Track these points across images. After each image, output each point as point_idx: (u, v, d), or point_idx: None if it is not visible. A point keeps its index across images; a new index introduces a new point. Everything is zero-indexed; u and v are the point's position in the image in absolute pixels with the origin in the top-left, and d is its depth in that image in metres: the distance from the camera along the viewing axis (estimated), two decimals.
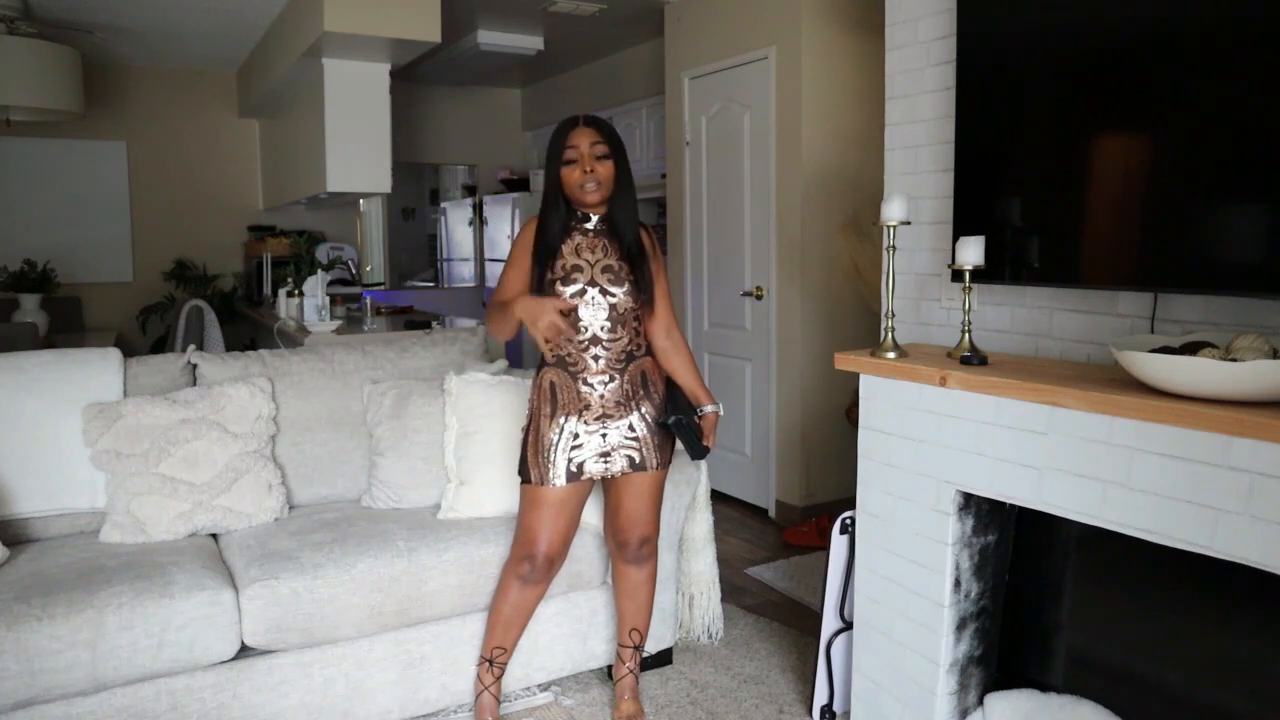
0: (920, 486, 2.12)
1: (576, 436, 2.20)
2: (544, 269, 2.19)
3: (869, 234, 3.99)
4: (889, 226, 2.15)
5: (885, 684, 2.25)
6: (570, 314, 2.18)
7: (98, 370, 2.55)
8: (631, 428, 2.23)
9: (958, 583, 2.07)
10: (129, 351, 2.82)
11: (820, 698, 2.47)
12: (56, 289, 5.58)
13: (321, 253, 6.27)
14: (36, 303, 5.35)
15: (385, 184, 4.79)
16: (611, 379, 2.21)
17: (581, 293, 2.18)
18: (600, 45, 5.92)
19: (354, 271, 6.37)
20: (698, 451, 2.28)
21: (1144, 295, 1.97)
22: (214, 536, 2.52)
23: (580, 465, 2.20)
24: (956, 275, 2.08)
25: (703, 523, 2.82)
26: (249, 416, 2.57)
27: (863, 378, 2.25)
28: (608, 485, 2.34)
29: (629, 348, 2.23)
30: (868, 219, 4.01)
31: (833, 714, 2.48)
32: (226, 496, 2.48)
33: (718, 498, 3.82)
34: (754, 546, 3.93)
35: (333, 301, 5.04)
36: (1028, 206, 2.11)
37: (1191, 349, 1.62)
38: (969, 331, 2.09)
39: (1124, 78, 1.87)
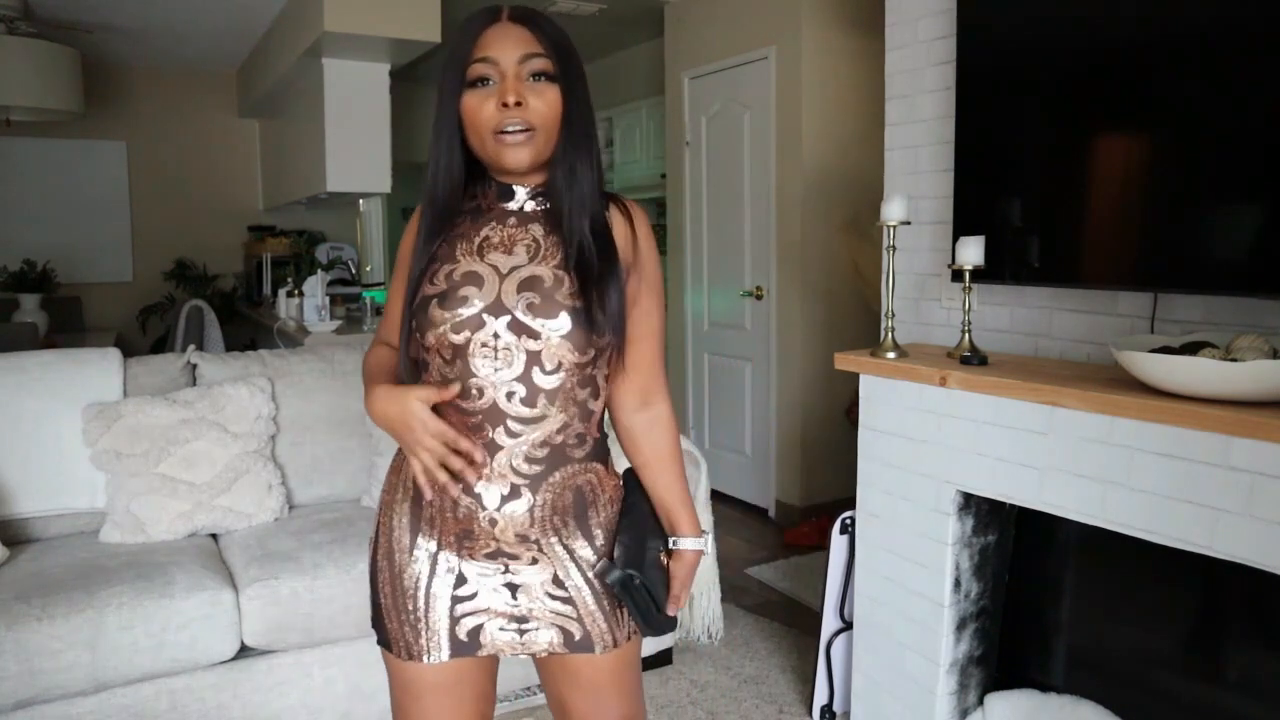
0: (920, 486, 2.12)
1: (462, 579, 1.27)
2: (418, 278, 1.25)
3: (869, 234, 3.99)
4: (889, 226, 2.15)
5: (885, 684, 2.25)
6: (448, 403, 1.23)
7: (98, 370, 2.55)
8: (558, 581, 1.28)
9: (958, 583, 2.07)
10: (129, 351, 2.82)
11: (820, 698, 2.47)
12: (56, 289, 5.58)
13: (321, 253, 6.27)
14: (36, 303, 5.35)
15: (385, 184, 4.79)
16: (516, 494, 1.23)
17: (476, 324, 1.20)
18: (600, 45, 5.92)
19: (354, 271, 6.37)
20: (652, 623, 1.30)
21: (1144, 295, 1.97)
22: (214, 536, 2.52)
23: (475, 632, 1.28)
24: (956, 275, 2.08)
25: (703, 523, 2.83)
26: (249, 416, 2.57)
27: (863, 378, 2.25)
28: (538, 664, 1.39)
29: (562, 438, 1.25)
30: (868, 219, 4.00)
31: (833, 714, 2.48)
32: (226, 496, 2.48)
33: (718, 498, 3.82)
34: (754, 546, 3.93)
35: (333, 301, 5.04)
36: (1028, 206, 2.11)
37: (1191, 349, 1.62)
38: (969, 331, 2.09)
39: (1124, 77, 1.87)
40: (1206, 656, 1.85)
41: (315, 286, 4.66)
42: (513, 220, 1.27)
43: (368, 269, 7.80)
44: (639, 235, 1.32)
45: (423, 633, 1.27)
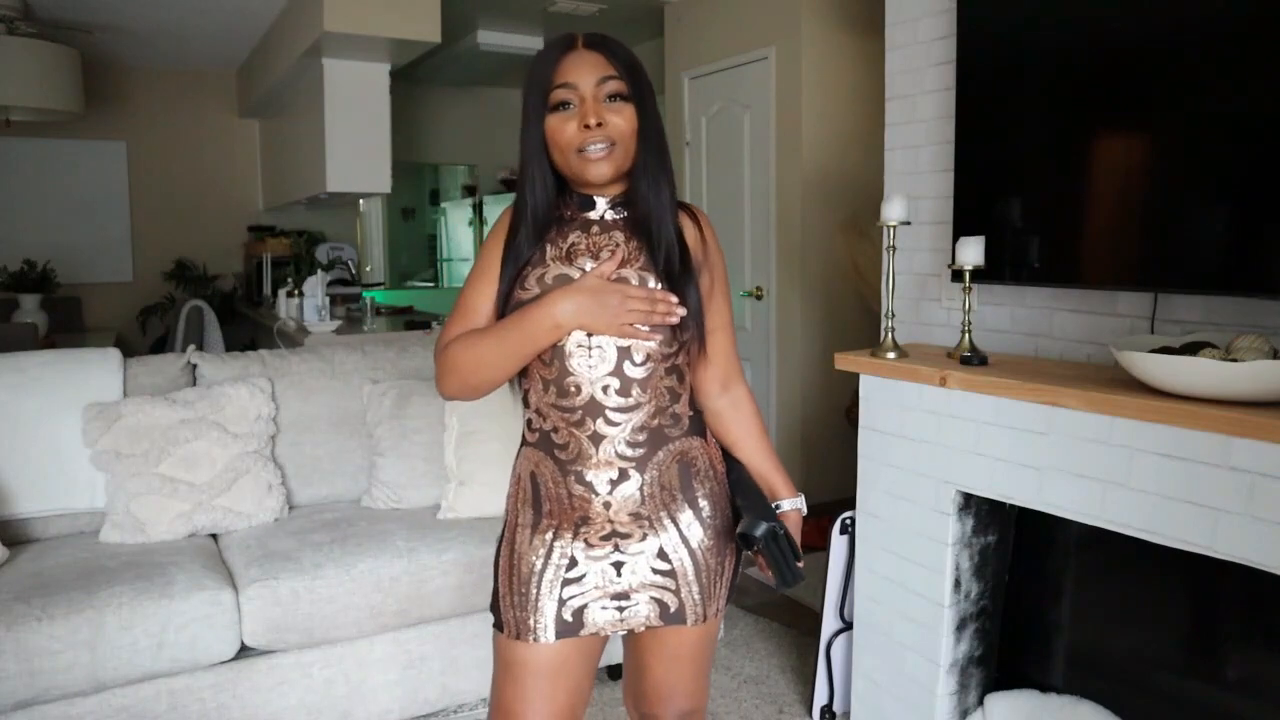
0: (920, 487, 2.12)
1: (573, 563, 1.37)
2: (511, 283, 1.37)
3: (869, 234, 3.99)
4: (889, 226, 2.15)
5: (885, 684, 2.25)
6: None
7: (98, 370, 2.55)
8: (663, 554, 1.39)
9: (958, 583, 2.07)
10: (129, 351, 2.82)
11: (820, 698, 2.47)
12: (56, 289, 5.58)
13: (321, 253, 6.27)
14: (36, 303, 5.36)
15: (385, 184, 4.79)
16: (625, 476, 1.36)
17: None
18: None
19: (354, 271, 6.37)
20: (790, 576, 1.35)
21: (1144, 295, 1.97)
22: (214, 536, 2.52)
23: (579, 612, 1.38)
24: (956, 275, 2.08)
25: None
26: (249, 416, 2.57)
27: (863, 378, 2.25)
28: (626, 636, 1.53)
29: (658, 421, 1.37)
30: (868, 219, 4.00)
31: (833, 714, 2.48)
32: (226, 496, 2.48)
33: None
34: None
35: (332, 301, 5.04)
36: (1028, 206, 2.11)
37: (1191, 349, 1.62)
38: (969, 331, 2.09)
39: (1124, 77, 1.87)
40: (1206, 657, 1.85)
41: (315, 286, 4.66)
42: (595, 228, 1.39)
43: (368, 269, 7.80)
44: (707, 239, 1.47)
45: (531, 614, 1.37)
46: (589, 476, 1.35)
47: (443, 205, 8.70)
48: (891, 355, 2.16)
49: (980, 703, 2.15)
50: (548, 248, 1.38)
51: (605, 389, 1.33)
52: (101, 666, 1.99)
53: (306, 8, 4.30)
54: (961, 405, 2.00)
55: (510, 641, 1.39)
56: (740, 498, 1.42)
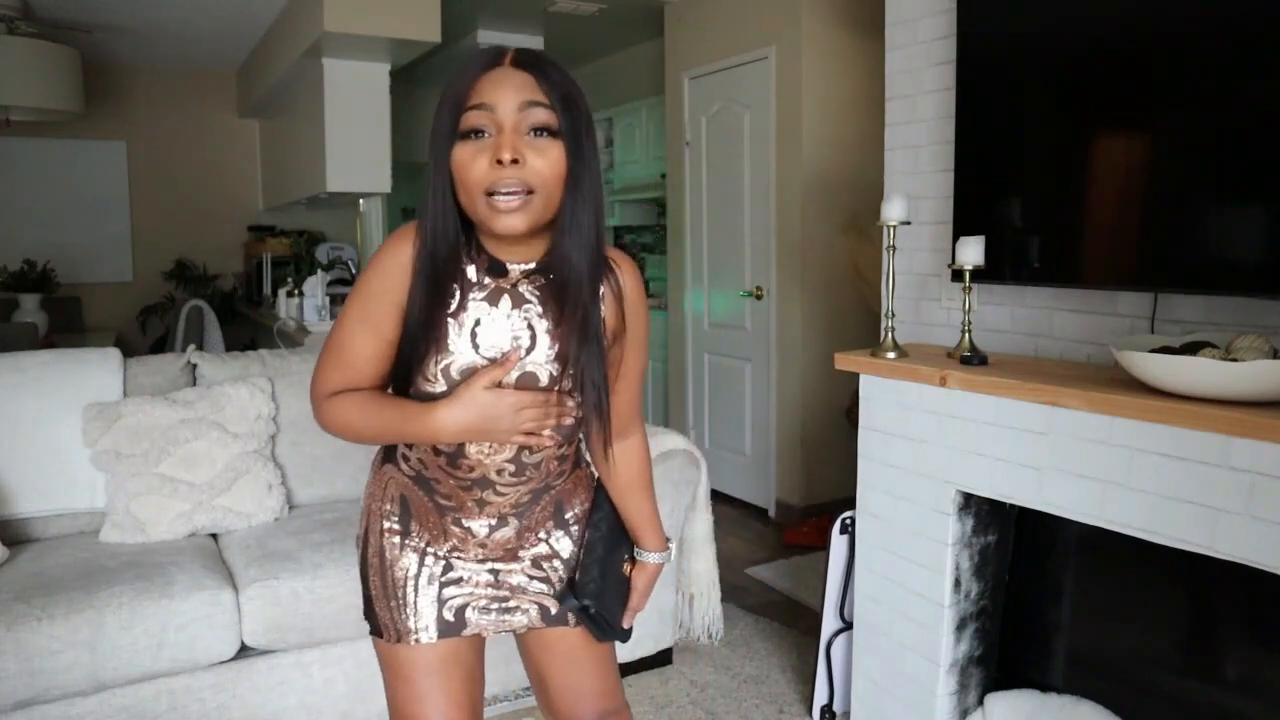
0: (920, 486, 2.12)
1: (449, 567, 1.32)
2: (409, 358, 1.20)
3: (869, 234, 4.00)
4: (889, 226, 2.15)
5: (885, 684, 2.25)
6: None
7: (97, 370, 2.55)
8: (537, 564, 1.35)
9: (958, 583, 2.07)
10: (129, 351, 2.82)
11: (820, 698, 2.47)
12: (56, 289, 5.58)
13: (321, 253, 6.27)
14: (36, 303, 5.36)
15: (385, 184, 4.80)
16: (504, 523, 1.31)
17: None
18: (600, 45, 5.92)
19: (354, 271, 6.36)
20: (609, 638, 1.41)
21: (1144, 295, 1.97)
22: (214, 536, 2.52)
23: (460, 612, 1.33)
24: (956, 275, 2.08)
25: (703, 523, 2.82)
26: (249, 416, 2.57)
27: (863, 378, 2.25)
28: (519, 639, 1.45)
29: (545, 482, 1.32)
30: (868, 219, 4.00)
31: (833, 714, 2.48)
32: (226, 496, 2.48)
33: (718, 498, 3.82)
34: (754, 546, 3.93)
35: (333, 301, 5.04)
36: (1028, 206, 2.11)
37: (1191, 349, 1.62)
38: (969, 331, 2.09)
39: (1124, 77, 1.87)
40: (1206, 657, 1.85)
41: (315, 286, 4.66)
42: (506, 300, 1.19)
43: None
44: (628, 295, 1.29)
45: (410, 617, 1.31)
46: (467, 523, 1.30)
47: None
48: (891, 355, 2.16)
49: (980, 703, 2.15)
50: (451, 324, 1.17)
51: (500, 471, 1.26)
52: (101, 666, 1.99)
53: (306, 8, 4.30)
54: (961, 405, 2.00)
55: (392, 646, 1.32)
56: (587, 552, 1.37)
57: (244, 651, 2.18)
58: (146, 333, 6.37)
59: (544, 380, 1.21)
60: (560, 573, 1.37)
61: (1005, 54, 2.12)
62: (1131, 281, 1.93)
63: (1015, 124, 2.12)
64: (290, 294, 4.93)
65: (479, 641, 1.38)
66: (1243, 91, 1.68)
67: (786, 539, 3.95)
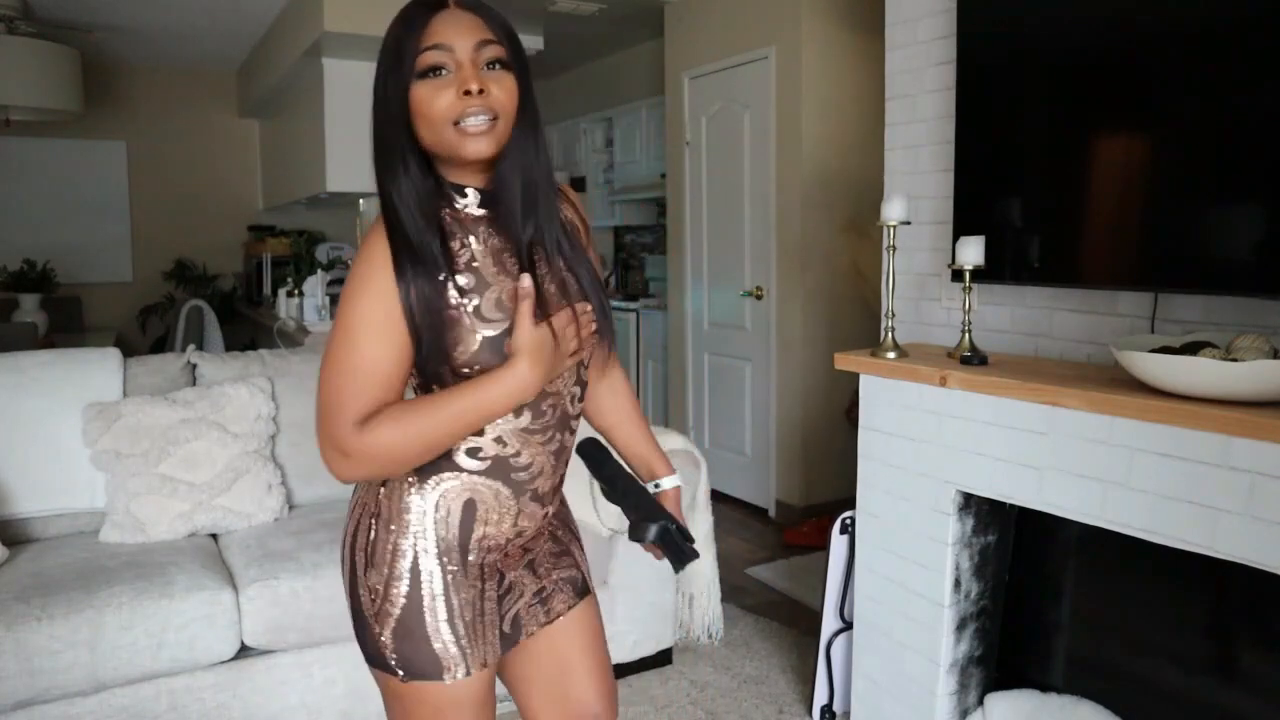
0: (920, 486, 2.12)
1: (502, 579, 1.30)
2: (437, 329, 1.15)
3: (869, 234, 4.00)
4: (889, 226, 2.15)
5: (885, 684, 2.25)
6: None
7: (97, 370, 2.55)
8: (554, 537, 1.38)
9: (958, 583, 2.07)
10: (129, 351, 2.82)
11: (820, 698, 2.47)
12: (56, 289, 5.59)
13: (321, 253, 6.27)
14: (36, 303, 5.36)
15: None
16: (561, 482, 1.34)
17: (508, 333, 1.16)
18: (600, 45, 5.92)
19: None
20: (685, 558, 1.34)
21: (1144, 295, 1.97)
22: (214, 536, 2.52)
23: (515, 620, 1.32)
24: (956, 275, 2.08)
25: (703, 523, 2.82)
26: (249, 416, 2.57)
27: (863, 378, 2.25)
28: (518, 653, 1.38)
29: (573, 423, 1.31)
30: (868, 219, 4.01)
31: (833, 714, 2.48)
32: (226, 496, 2.48)
33: (718, 498, 3.82)
34: (754, 546, 3.93)
35: (332, 301, 5.04)
36: (1028, 206, 2.11)
37: (1191, 349, 1.62)
38: (969, 331, 2.09)
39: (1124, 77, 1.87)
40: (1206, 657, 1.85)
41: (315, 286, 4.66)
42: (483, 229, 1.21)
43: None
44: (583, 215, 1.36)
45: (479, 644, 1.25)
46: (541, 490, 1.27)
47: None
48: (891, 355, 2.16)
49: (980, 702, 2.15)
50: (458, 267, 1.17)
51: (572, 399, 1.27)
52: (101, 666, 1.99)
53: (306, 8, 4.30)
54: (961, 405, 2.00)
55: (440, 687, 1.23)
56: (621, 500, 1.35)
57: (244, 651, 2.18)
58: (146, 333, 6.38)
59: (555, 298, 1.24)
60: (572, 541, 1.41)
61: (1005, 54, 2.12)
62: (1131, 281, 1.93)
63: (1015, 124, 2.12)
64: (290, 294, 4.93)
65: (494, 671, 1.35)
66: (1243, 91, 1.68)
67: (786, 539, 3.95)
